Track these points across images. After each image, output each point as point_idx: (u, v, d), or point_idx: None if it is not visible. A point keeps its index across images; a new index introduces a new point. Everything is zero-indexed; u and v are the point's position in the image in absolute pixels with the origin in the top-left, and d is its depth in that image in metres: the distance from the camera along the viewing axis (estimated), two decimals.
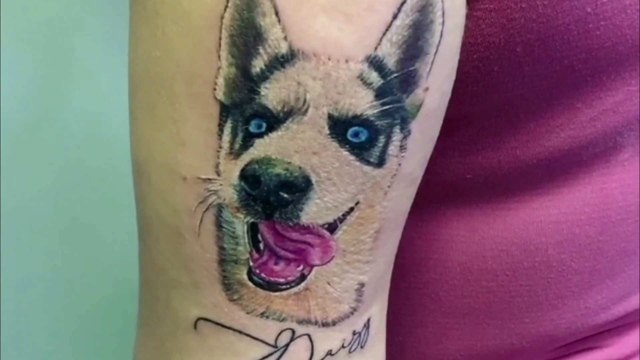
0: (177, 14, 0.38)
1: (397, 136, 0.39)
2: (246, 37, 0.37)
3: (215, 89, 0.38)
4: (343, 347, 0.43)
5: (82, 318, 1.14)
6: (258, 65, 0.37)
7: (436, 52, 0.38)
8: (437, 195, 0.51)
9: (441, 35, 0.38)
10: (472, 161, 0.48)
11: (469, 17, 0.42)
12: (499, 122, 0.47)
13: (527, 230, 0.50)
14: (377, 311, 0.44)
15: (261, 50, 0.37)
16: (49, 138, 1.05)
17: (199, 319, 0.41)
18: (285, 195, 0.38)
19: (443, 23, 0.38)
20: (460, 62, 0.43)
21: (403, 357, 0.55)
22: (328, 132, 0.37)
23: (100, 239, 1.11)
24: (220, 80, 0.37)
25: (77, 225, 1.10)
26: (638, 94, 0.47)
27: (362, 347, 0.44)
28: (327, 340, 0.42)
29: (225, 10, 0.37)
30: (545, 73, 0.44)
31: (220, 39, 0.37)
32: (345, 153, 0.38)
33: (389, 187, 0.40)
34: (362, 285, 0.42)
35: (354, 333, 0.43)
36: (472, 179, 0.49)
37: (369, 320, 0.43)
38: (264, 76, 0.37)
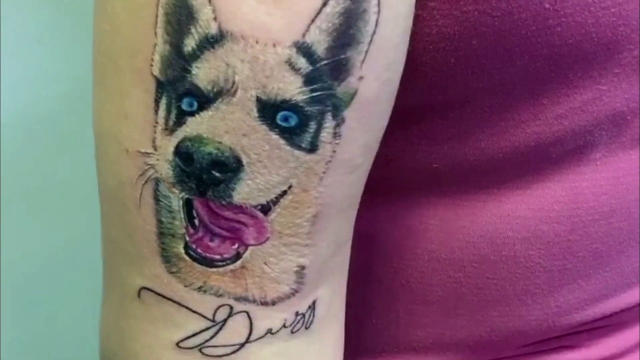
0: None
1: (329, 123, 0.39)
2: (179, 15, 0.37)
3: (152, 65, 0.38)
4: (285, 326, 0.43)
5: (82, 318, 1.13)
6: (190, 44, 0.38)
7: (371, 41, 0.38)
8: (408, 182, 0.51)
9: (376, 25, 0.38)
10: (439, 151, 0.48)
11: (423, 7, 0.42)
12: (463, 114, 0.46)
13: (494, 223, 0.50)
14: (325, 294, 0.44)
15: (193, 30, 0.37)
16: (50, 137, 1.06)
17: (142, 288, 0.43)
18: (217, 174, 0.39)
19: (379, 12, 0.38)
20: (417, 51, 0.43)
21: (376, 339, 0.55)
22: (257, 114, 0.38)
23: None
24: (156, 57, 0.38)
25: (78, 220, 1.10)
26: (608, 94, 0.46)
27: (306, 328, 0.44)
28: (267, 319, 0.43)
29: None
30: (506, 67, 0.44)
31: (157, 16, 0.38)
32: (275, 137, 0.38)
33: (324, 172, 0.40)
34: (302, 267, 0.42)
35: (296, 314, 0.43)
36: (439, 169, 0.49)
37: (314, 302, 0.44)
38: (195, 55, 0.38)
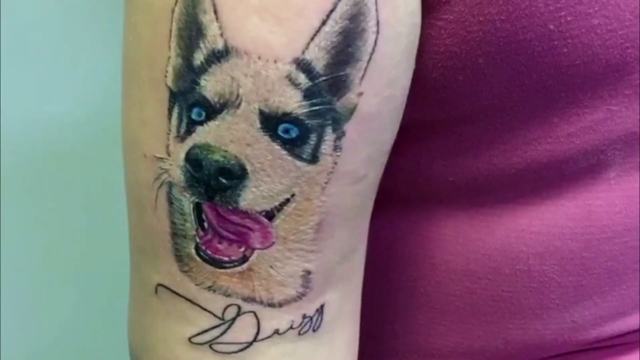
0: (143, 4, 0.41)
1: (329, 136, 0.41)
2: (190, 31, 0.40)
3: (166, 76, 0.41)
4: (292, 328, 0.45)
5: (82, 317, 1.15)
6: (199, 58, 0.40)
7: (370, 59, 0.40)
8: (426, 194, 0.52)
9: (375, 43, 0.39)
10: (453, 164, 0.49)
11: (431, 26, 0.43)
12: (475, 130, 0.48)
13: (509, 237, 0.51)
14: (334, 299, 0.46)
15: (202, 45, 0.40)
16: (50, 137, 1.05)
17: (159, 284, 0.45)
18: (224, 181, 0.41)
19: (378, 32, 0.39)
20: (426, 68, 0.44)
21: (396, 344, 0.57)
22: (260, 126, 0.40)
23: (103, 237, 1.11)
24: (170, 69, 0.41)
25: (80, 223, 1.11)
26: (620, 114, 0.47)
27: (314, 330, 0.46)
28: (274, 319, 0.45)
29: (175, 4, 0.40)
30: (514, 85, 0.45)
31: (170, 30, 0.40)
32: (277, 147, 0.40)
33: (326, 183, 0.42)
34: (308, 272, 0.44)
35: (304, 316, 0.45)
36: (454, 182, 0.50)
37: (322, 306, 0.46)
38: (203, 68, 0.40)
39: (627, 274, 0.52)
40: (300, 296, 0.45)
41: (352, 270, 0.47)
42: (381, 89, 0.41)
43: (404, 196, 0.51)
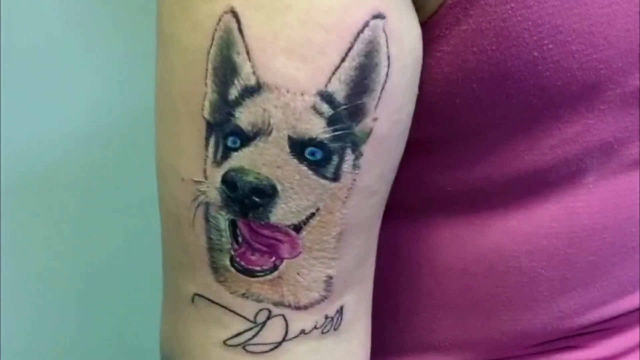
0: (179, 46, 0.47)
1: (349, 157, 0.46)
2: (225, 70, 0.45)
3: (203, 109, 0.46)
4: (316, 328, 0.50)
5: (82, 317, 1.16)
6: (233, 93, 0.45)
7: (383, 89, 0.45)
8: (426, 203, 0.58)
9: (387, 76, 0.45)
10: (451, 176, 0.55)
11: (431, 56, 0.49)
12: (470, 146, 0.53)
13: (501, 239, 0.56)
14: (352, 300, 0.51)
15: (236, 82, 0.45)
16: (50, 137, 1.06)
17: (195, 294, 0.50)
18: (257, 199, 0.46)
19: (389, 66, 0.45)
20: (427, 93, 0.50)
21: (401, 340, 0.62)
22: (289, 150, 0.45)
23: (104, 238, 1.12)
24: (207, 103, 0.46)
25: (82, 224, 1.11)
26: (596, 127, 0.53)
27: (335, 329, 0.51)
28: (300, 321, 0.50)
29: (211, 47, 0.45)
30: (504, 106, 0.51)
31: (207, 70, 0.46)
32: (304, 168, 0.46)
33: (346, 197, 0.47)
34: (330, 277, 0.49)
35: (326, 317, 0.50)
36: (452, 192, 0.56)
37: (342, 307, 0.51)
38: (238, 102, 0.45)
39: (607, 266, 0.58)
40: (323, 299, 0.50)
41: (366, 274, 0.53)
42: (392, 114, 0.47)
43: (407, 206, 0.57)
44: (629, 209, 0.56)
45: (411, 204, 0.57)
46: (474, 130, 0.53)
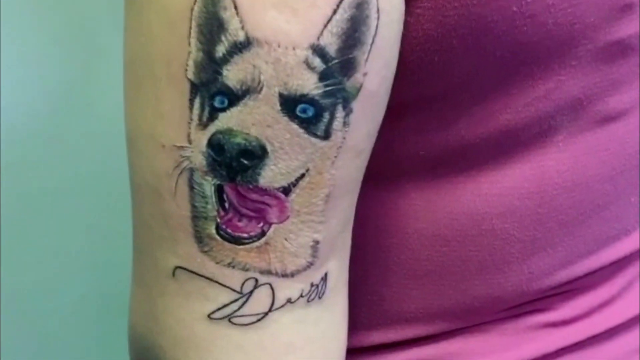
0: (157, 7, 0.45)
1: (340, 113, 0.46)
2: (211, 26, 0.44)
3: (186, 70, 0.45)
4: (302, 296, 0.50)
5: (81, 317, 1.17)
6: (220, 50, 0.44)
7: (372, 42, 0.45)
8: (397, 169, 0.57)
9: (376, 28, 0.45)
10: (424, 140, 0.55)
11: (411, 13, 0.49)
12: (444, 106, 0.54)
13: (474, 201, 0.57)
14: (334, 267, 0.51)
15: (223, 38, 0.44)
16: (51, 136, 1.08)
17: (177, 267, 0.49)
18: (245, 162, 0.45)
19: (378, 18, 0.45)
20: (406, 52, 0.50)
21: (371, 313, 0.61)
22: (279, 108, 0.45)
23: (102, 238, 1.13)
24: (191, 63, 0.45)
25: (79, 224, 1.13)
26: (567, 83, 0.54)
27: (319, 297, 0.50)
28: (287, 289, 0.49)
29: (194, 4, 0.44)
30: (481, 63, 0.51)
31: (190, 28, 0.44)
32: (295, 126, 0.45)
33: (335, 157, 0.47)
34: (316, 242, 0.49)
35: (311, 285, 0.50)
36: (425, 156, 0.56)
37: (326, 274, 0.50)
38: (225, 60, 0.44)
39: (575, 224, 0.59)
40: (309, 265, 0.49)
41: (347, 239, 0.52)
42: (380, 69, 0.46)
43: (377, 173, 0.57)
44: (597, 166, 0.58)
45: (382, 170, 0.57)
46: (449, 90, 0.53)
